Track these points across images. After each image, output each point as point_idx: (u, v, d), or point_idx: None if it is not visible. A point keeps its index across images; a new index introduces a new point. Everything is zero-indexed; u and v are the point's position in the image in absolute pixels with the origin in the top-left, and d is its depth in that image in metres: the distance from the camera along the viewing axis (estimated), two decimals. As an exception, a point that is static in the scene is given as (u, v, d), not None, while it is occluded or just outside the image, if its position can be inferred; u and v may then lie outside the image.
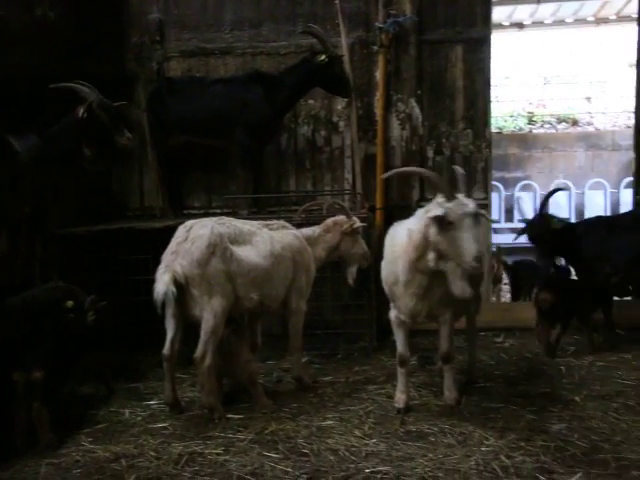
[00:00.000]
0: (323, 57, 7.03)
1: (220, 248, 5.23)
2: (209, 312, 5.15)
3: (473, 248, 4.61)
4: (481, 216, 4.91)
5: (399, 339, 5.43)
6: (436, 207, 4.75)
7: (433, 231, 4.77)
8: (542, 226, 6.93)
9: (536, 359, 6.73)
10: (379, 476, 4.28)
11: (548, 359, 6.63)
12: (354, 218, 6.29)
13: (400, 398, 5.41)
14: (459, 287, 4.88)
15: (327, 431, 5.00)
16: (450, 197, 4.74)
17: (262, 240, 5.61)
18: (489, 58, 7.85)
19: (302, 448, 4.69)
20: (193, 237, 5.23)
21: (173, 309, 5.27)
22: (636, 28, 7.77)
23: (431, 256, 4.87)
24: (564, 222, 7.37)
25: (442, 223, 4.69)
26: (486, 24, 7.83)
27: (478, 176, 7.94)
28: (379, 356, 6.92)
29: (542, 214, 7.32)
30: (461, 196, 4.80)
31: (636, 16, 7.88)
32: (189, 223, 5.43)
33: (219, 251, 5.21)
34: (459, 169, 5.18)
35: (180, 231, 5.38)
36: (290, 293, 5.85)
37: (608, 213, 13.50)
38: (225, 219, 5.60)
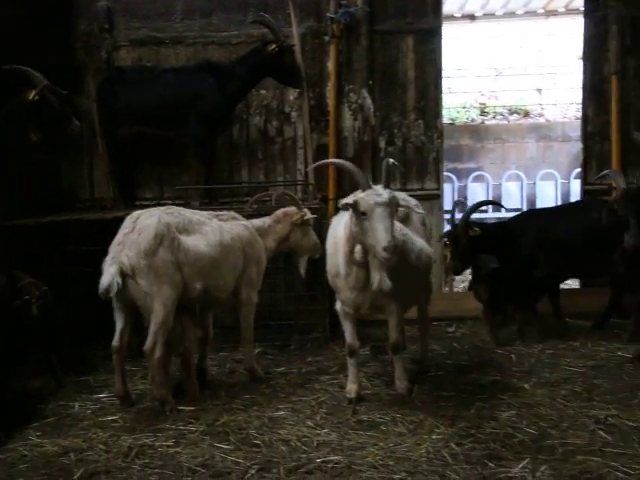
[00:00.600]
0: (274, 47, 6.99)
1: (168, 238, 5.17)
2: (158, 303, 5.10)
3: (384, 238, 4.59)
4: (406, 208, 5.10)
5: (347, 330, 5.41)
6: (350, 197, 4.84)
7: (353, 222, 4.81)
8: (460, 234, 6.91)
9: (487, 348, 6.83)
10: (330, 465, 4.29)
11: (501, 348, 6.72)
12: (304, 209, 6.28)
13: (351, 388, 5.39)
14: (376, 279, 4.93)
15: (279, 422, 5.01)
16: (366, 187, 4.77)
17: (211, 230, 5.57)
18: (440, 49, 7.90)
19: (254, 439, 4.69)
20: (140, 228, 5.17)
21: (121, 301, 5.21)
22: (583, 21, 7.91)
23: (357, 248, 4.92)
24: (485, 225, 7.37)
25: (357, 213, 4.71)
26: (437, 15, 7.87)
27: (430, 167, 7.99)
28: (332, 347, 6.95)
29: (457, 225, 7.13)
30: (378, 187, 4.82)
31: (583, 9, 7.99)
32: (136, 213, 5.36)
33: (167, 241, 5.16)
34: (390, 160, 5.18)
35: (127, 222, 5.31)
36: (240, 284, 5.82)
37: (559, 203, 13.73)
38: (173, 208, 5.55)
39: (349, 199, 4.81)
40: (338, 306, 5.39)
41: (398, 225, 5.23)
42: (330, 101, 7.78)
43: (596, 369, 6.09)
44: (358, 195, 4.77)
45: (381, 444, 4.58)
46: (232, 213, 6.03)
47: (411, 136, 7.98)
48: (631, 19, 7.67)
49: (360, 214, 4.70)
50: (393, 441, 4.63)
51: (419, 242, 5.58)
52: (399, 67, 7.90)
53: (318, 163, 5.98)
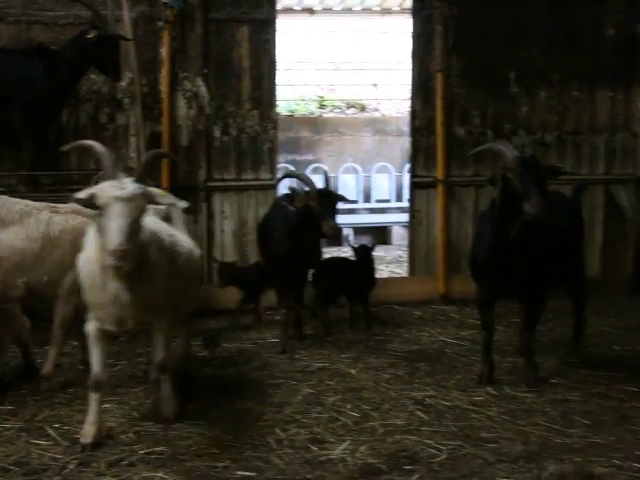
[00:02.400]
0: (92, 34, 6.73)
1: None
2: None
3: (113, 240, 3.91)
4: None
5: (95, 357, 4.45)
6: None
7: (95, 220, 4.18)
8: None
9: (316, 336, 6.95)
10: (154, 456, 4.24)
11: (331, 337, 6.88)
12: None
13: (88, 431, 4.38)
14: (111, 291, 4.24)
15: (103, 415, 4.86)
16: (112, 177, 4.15)
17: (35, 222, 5.23)
18: (275, 40, 7.95)
19: (75, 433, 4.54)
20: None
21: None
22: (412, 20, 8.21)
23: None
24: None
25: (96, 209, 4.06)
26: (271, 6, 7.92)
27: (265, 157, 8.03)
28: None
29: None
30: (127, 179, 4.19)
31: (411, 8, 8.30)
32: None
33: None
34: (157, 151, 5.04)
35: None
36: (64, 280, 5.34)
37: (393, 196, 14.22)
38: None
39: (81, 193, 4.11)
40: (90, 327, 4.45)
41: (163, 225, 4.84)
42: (164, 88, 7.64)
43: (418, 353, 6.38)
44: (97, 187, 4.12)
45: (207, 433, 4.58)
46: (74, 206, 5.69)
47: (246, 126, 7.98)
48: (454, 19, 8.04)
49: (98, 209, 4.03)
50: (219, 429, 4.65)
51: (187, 244, 5.17)
52: (234, 56, 7.88)
53: (75, 143, 5.31)
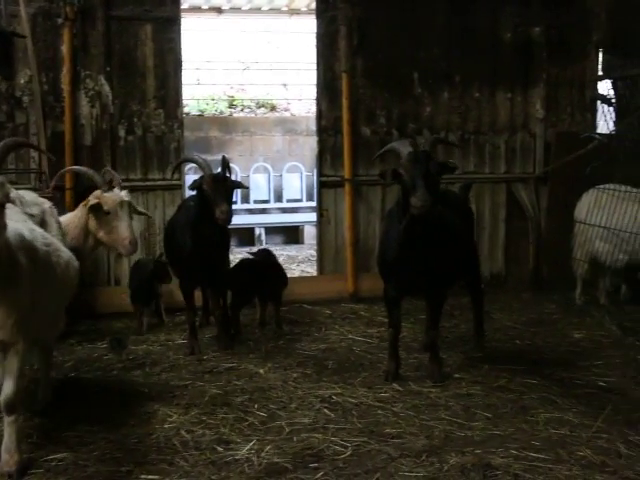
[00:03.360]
0: None
1: None
2: None
3: None
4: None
5: None
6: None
7: None
8: None
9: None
10: (54, 463, 4.14)
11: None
12: (104, 192, 6.25)
13: (9, 460, 3.98)
14: None
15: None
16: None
17: None
18: (180, 38, 7.87)
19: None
20: None
21: None
22: (316, 21, 8.26)
23: None
24: None
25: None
26: (175, 4, 7.83)
27: (171, 157, 7.93)
28: (69, 340, 6.66)
29: None
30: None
31: (315, 9, 8.36)
32: None
33: None
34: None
35: None
36: None
37: (304, 195, 14.28)
38: None
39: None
40: None
41: (39, 231, 4.49)
42: (65, 87, 7.47)
43: (327, 352, 6.42)
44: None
45: (110, 437, 4.50)
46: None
47: (152, 125, 7.88)
48: (358, 20, 8.13)
49: None
50: (123, 433, 4.57)
51: (65, 254, 4.73)
52: (138, 55, 7.76)
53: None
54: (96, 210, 6.19)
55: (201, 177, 6.04)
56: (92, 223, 6.28)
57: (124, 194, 6.24)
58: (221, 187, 5.98)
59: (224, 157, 6.25)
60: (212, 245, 6.29)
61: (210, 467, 4.14)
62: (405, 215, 5.09)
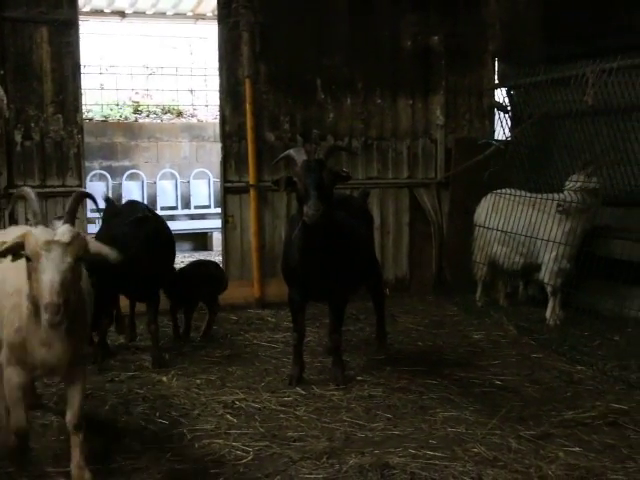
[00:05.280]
0: None
1: None
2: None
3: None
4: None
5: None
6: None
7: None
8: None
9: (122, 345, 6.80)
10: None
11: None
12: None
13: None
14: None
15: None
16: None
17: None
18: (78, 41, 7.69)
19: None
20: None
21: None
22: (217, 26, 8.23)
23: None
24: None
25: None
26: (72, 7, 7.62)
27: (71, 162, 7.75)
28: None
29: None
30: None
31: (217, 15, 8.34)
32: None
33: None
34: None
35: None
36: None
37: (212, 202, 14.18)
38: None
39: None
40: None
41: None
42: (-44, 89, 7.20)
43: (232, 357, 6.39)
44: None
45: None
46: None
47: (50, 131, 7.67)
48: (260, 26, 8.13)
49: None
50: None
51: None
52: (34, 58, 7.54)
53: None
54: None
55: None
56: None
57: (62, 231, 3.59)
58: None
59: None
60: None
61: (110, 476, 4.07)
62: (301, 222, 5.14)
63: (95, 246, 3.82)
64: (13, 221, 7.46)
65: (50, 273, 3.45)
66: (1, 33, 7.35)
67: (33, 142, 7.64)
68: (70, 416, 4.00)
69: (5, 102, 7.43)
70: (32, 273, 3.54)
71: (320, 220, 4.91)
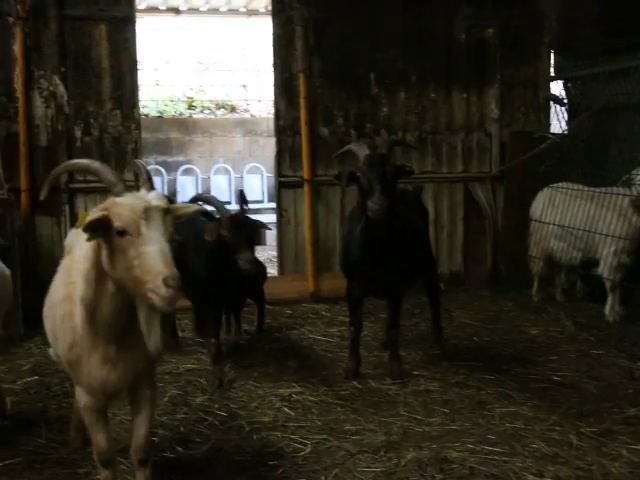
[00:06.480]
0: None
1: None
2: None
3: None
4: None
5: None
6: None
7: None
8: None
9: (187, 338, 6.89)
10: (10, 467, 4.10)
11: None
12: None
13: None
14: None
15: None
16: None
17: None
18: (135, 38, 7.80)
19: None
20: None
21: None
22: (272, 21, 8.28)
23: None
24: None
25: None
26: (130, 4, 7.74)
27: (128, 158, 7.84)
28: (27, 344, 6.58)
29: None
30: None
31: (271, 10, 8.36)
32: None
33: None
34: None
35: None
36: None
37: (265, 197, 14.29)
38: None
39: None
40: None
41: None
42: (18, 87, 7.37)
43: (288, 351, 6.43)
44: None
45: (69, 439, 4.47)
46: None
47: (108, 126, 7.81)
48: (314, 20, 8.14)
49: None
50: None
51: None
52: (93, 55, 7.68)
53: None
54: (103, 232, 3.03)
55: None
56: (105, 259, 3.11)
57: (153, 196, 3.08)
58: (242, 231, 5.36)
59: (242, 193, 5.86)
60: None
61: (169, 467, 4.13)
62: (363, 217, 5.13)
63: (179, 209, 3.21)
64: (73, 216, 7.64)
65: (158, 242, 2.89)
66: (62, 31, 7.49)
67: (92, 137, 7.79)
68: (134, 448, 3.58)
69: (65, 99, 7.59)
70: (122, 253, 2.94)
71: (385, 215, 4.87)
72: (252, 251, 5.34)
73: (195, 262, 5.55)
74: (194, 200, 5.98)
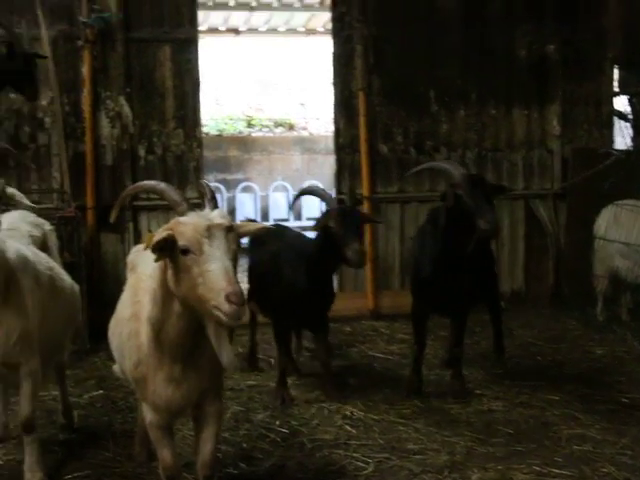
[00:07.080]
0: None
1: None
2: None
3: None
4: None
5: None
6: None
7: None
8: None
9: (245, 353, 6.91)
10: (77, 481, 4.18)
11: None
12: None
13: None
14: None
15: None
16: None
17: None
18: (197, 59, 7.97)
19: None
20: None
21: None
22: (332, 40, 8.33)
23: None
24: None
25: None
26: (193, 25, 7.93)
27: (190, 176, 8.00)
28: (92, 359, 6.71)
29: None
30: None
31: (331, 29, 8.43)
32: None
33: None
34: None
35: None
36: None
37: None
38: None
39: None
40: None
41: (42, 255, 4.42)
42: (86, 108, 7.58)
43: (348, 369, 6.41)
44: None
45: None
46: None
47: (171, 145, 7.97)
48: (374, 39, 8.19)
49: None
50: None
51: (67, 279, 4.66)
52: (157, 76, 7.87)
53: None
54: (169, 252, 3.06)
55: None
56: (170, 278, 3.14)
57: (216, 215, 3.10)
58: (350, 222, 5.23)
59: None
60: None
61: (231, 483, 4.17)
62: (456, 235, 5.12)
63: (243, 226, 3.30)
64: (137, 233, 7.79)
65: (220, 260, 2.92)
66: (128, 53, 7.71)
67: (155, 156, 7.95)
68: (200, 464, 3.55)
69: (130, 118, 7.77)
70: (186, 271, 2.98)
71: (496, 233, 4.97)
72: (360, 242, 5.15)
73: (294, 274, 5.52)
74: (301, 193, 6.14)
